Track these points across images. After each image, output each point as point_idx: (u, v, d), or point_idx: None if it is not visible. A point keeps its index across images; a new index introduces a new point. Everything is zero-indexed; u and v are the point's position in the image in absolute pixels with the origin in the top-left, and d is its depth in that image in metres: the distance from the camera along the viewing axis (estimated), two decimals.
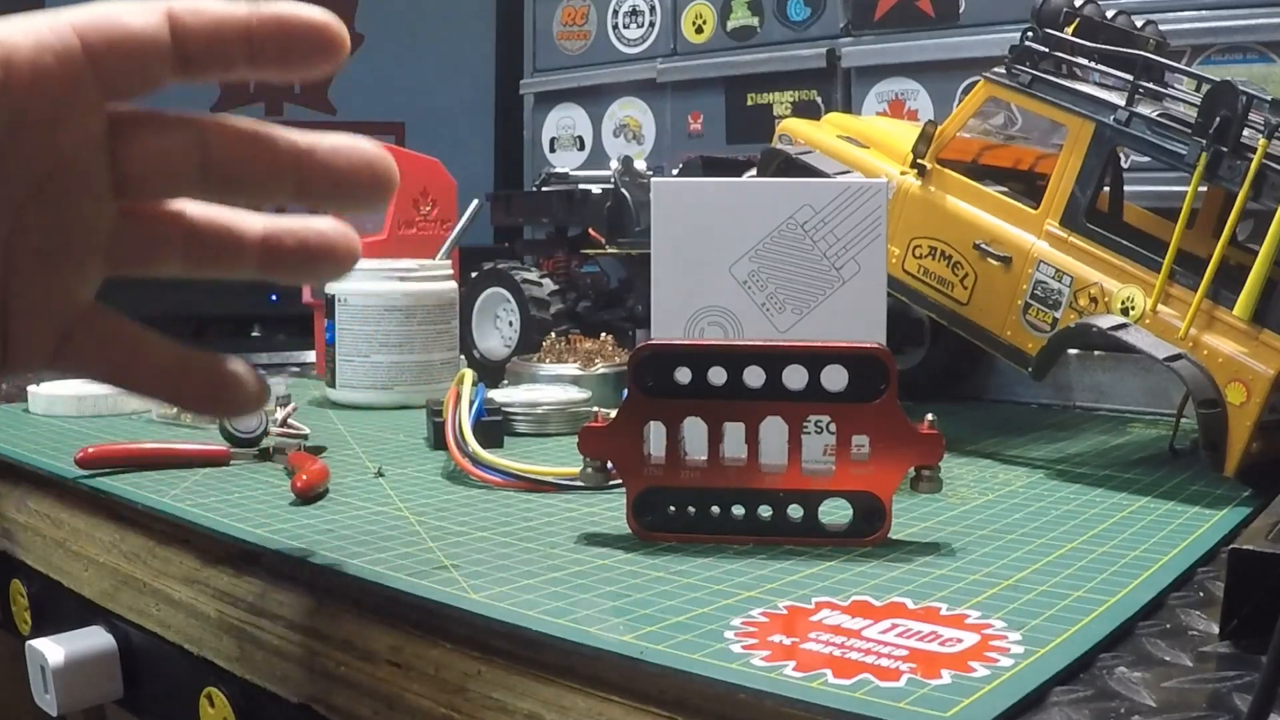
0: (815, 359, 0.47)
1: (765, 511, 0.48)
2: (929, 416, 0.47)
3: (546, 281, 0.98)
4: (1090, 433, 0.76)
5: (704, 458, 0.48)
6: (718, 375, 0.47)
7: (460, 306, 0.92)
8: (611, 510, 0.54)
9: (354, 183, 0.37)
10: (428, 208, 1.06)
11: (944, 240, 0.68)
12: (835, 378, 0.47)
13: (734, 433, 0.48)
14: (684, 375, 0.47)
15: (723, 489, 0.48)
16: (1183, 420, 0.67)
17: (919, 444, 0.47)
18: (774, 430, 0.47)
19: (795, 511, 0.48)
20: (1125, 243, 0.61)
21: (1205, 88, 0.58)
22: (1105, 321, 0.60)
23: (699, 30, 1.22)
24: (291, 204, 0.37)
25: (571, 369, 0.85)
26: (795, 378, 0.47)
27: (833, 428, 0.47)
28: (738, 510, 0.48)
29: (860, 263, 0.58)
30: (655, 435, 0.48)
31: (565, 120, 1.39)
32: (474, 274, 1.02)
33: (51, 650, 0.54)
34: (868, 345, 0.47)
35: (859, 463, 0.47)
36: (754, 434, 0.48)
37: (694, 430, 0.48)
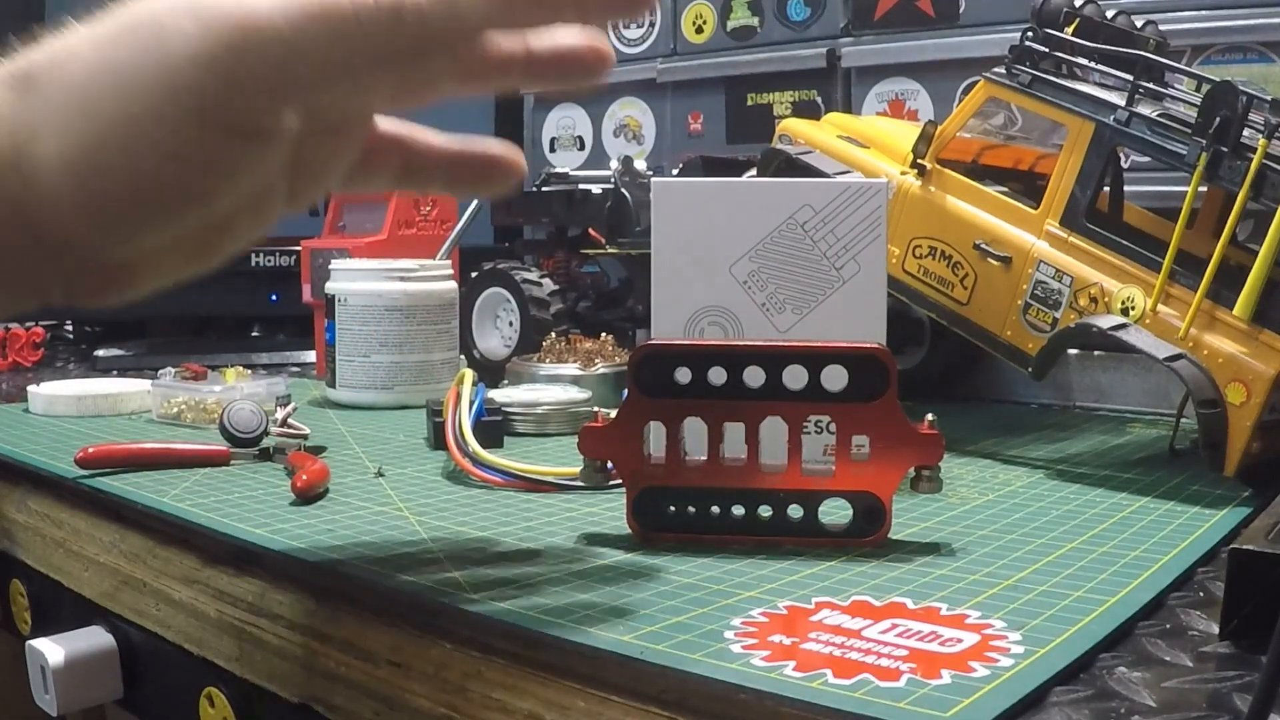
0: (815, 359, 0.47)
1: (765, 511, 0.48)
2: (929, 417, 0.47)
3: (546, 281, 0.98)
4: (1090, 433, 0.76)
5: (704, 458, 0.48)
6: (717, 375, 0.47)
7: (460, 306, 0.92)
8: (611, 510, 0.54)
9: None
10: (428, 208, 1.06)
11: (944, 240, 0.68)
12: (835, 378, 0.47)
13: (734, 432, 0.48)
14: (684, 375, 0.47)
15: (723, 489, 0.48)
16: (1183, 420, 0.67)
17: (919, 444, 0.47)
18: (774, 430, 0.47)
19: (795, 511, 0.48)
20: (1125, 243, 0.61)
21: (1205, 88, 0.58)
22: (1105, 321, 0.60)
23: (699, 30, 1.22)
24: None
25: (571, 369, 0.85)
26: (795, 378, 0.47)
27: (833, 428, 0.47)
28: (738, 510, 0.48)
29: (860, 263, 0.58)
30: (655, 435, 0.48)
31: (565, 120, 1.39)
32: (474, 274, 1.02)
33: (51, 650, 0.54)
34: (868, 345, 0.47)
35: (859, 463, 0.47)
36: (754, 434, 0.48)
37: (694, 430, 0.48)
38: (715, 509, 0.48)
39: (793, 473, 0.47)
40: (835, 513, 0.48)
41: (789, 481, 0.48)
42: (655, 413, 0.48)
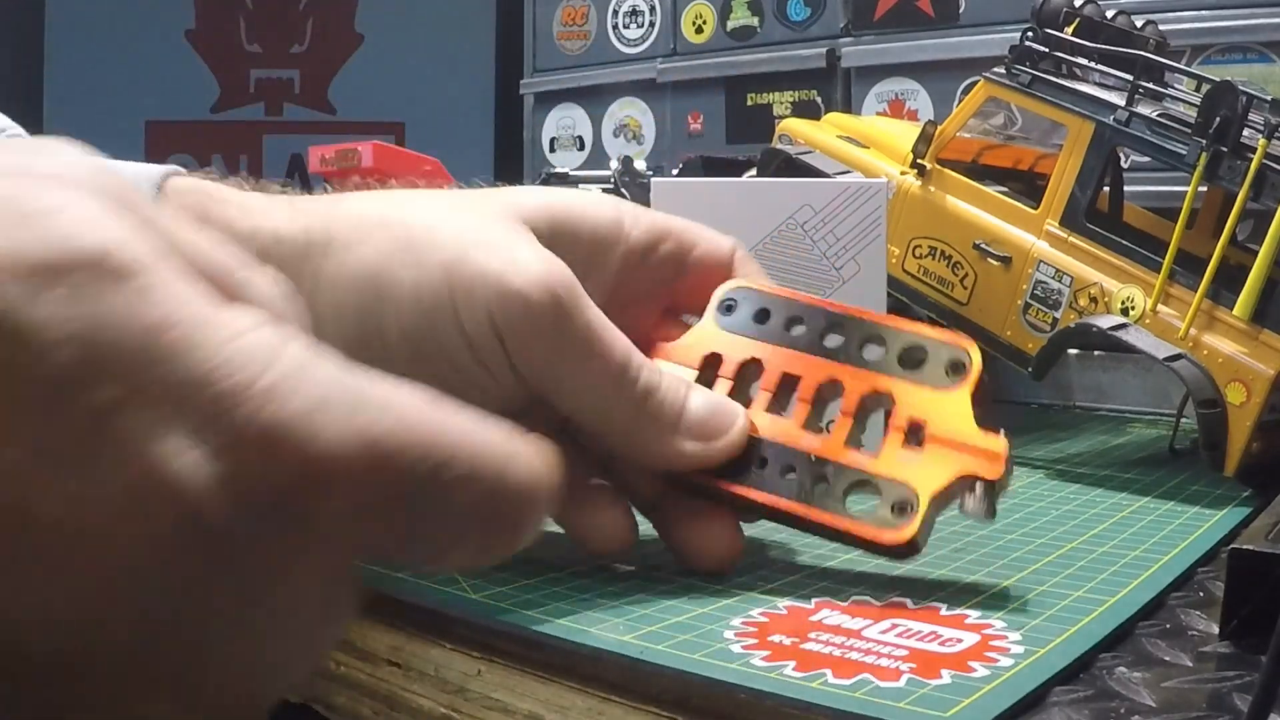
0: (903, 339, 0.43)
1: (790, 474, 0.42)
2: (1003, 431, 0.41)
3: None
4: (1090, 433, 0.76)
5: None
6: (798, 328, 0.44)
7: None
8: None
9: None
10: None
11: (944, 240, 0.68)
12: (910, 357, 0.43)
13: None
14: (763, 317, 0.45)
15: (756, 438, 0.43)
16: (1183, 420, 0.67)
17: (978, 448, 0.40)
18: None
19: (821, 483, 0.42)
20: (1125, 243, 0.61)
21: (1205, 88, 0.58)
22: (1105, 321, 0.60)
23: (699, 30, 1.22)
24: None
25: None
26: (871, 350, 0.43)
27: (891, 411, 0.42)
28: (763, 463, 0.43)
29: (860, 263, 0.58)
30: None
31: (565, 120, 1.39)
32: None
33: None
34: (959, 337, 0.43)
35: (907, 450, 0.41)
36: (809, 391, 0.43)
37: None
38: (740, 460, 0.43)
39: (835, 442, 0.42)
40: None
41: (826, 450, 0.42)
42: (719, 344, 0.44)
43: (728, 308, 0.46)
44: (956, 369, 0.42)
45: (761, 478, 0.42)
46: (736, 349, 0.45)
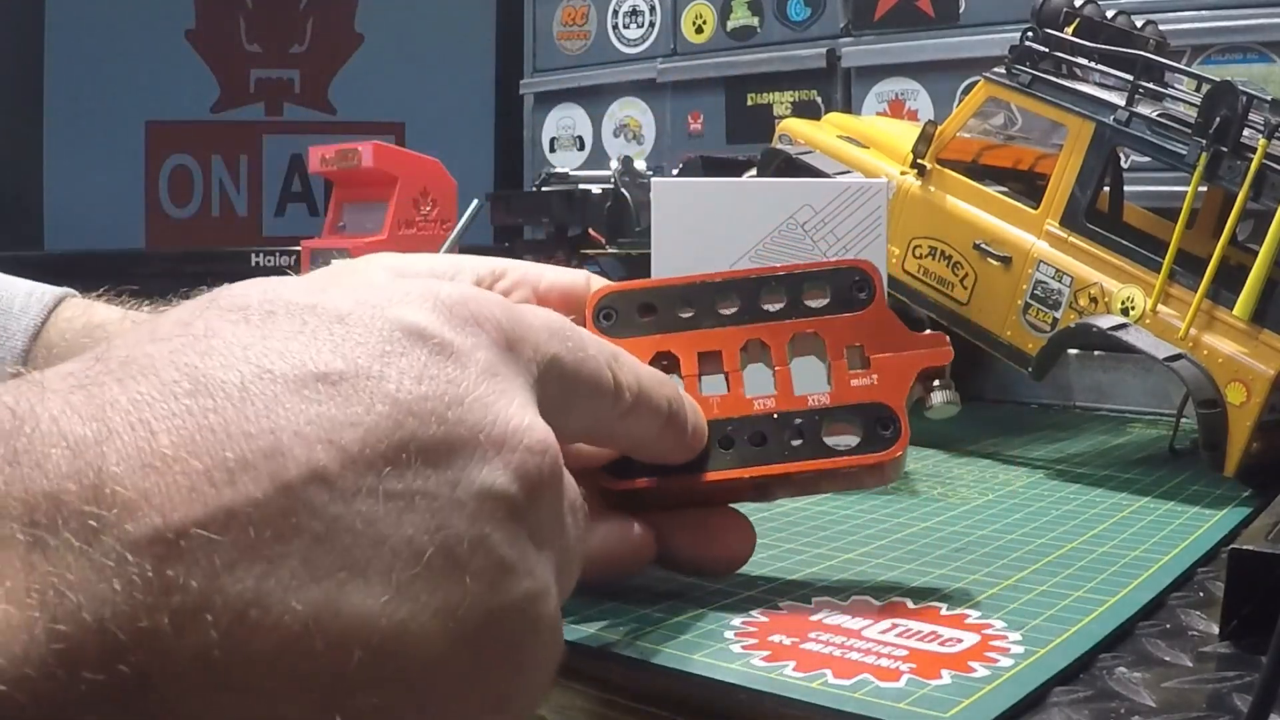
0: (793, 280, 0.43)
1: (763, 441, 0.41)
2: (927, 330, 0.43)
3: None
4: (1090, 433, 0.76)
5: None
6: (686, 310, 0.43)
7: None
8: None
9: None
10: (428, 208, 1.07)
11: (944, 240, 0.68)
12: (818, 297, 0.43)
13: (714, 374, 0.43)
14: (648, 312, 0.43)
15: (713, 420, 0.41)
16: (1183, 420, 0.67)
17: (923, 344, 0.41)
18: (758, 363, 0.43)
19: (797, 436, 0.41)
20: (1125, 243, 0.61)
21: (1205, 88, 0.59)
22: (1105, 321, 0.60)
23: (699, 30, 1.22)
24: None
25: None
26: (774, 302, 0.43)
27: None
28: (727, 444, 0.41)
29: None
30: None
31: (565, 120, 1.39)
32: None
33: None
34: (848, 260, 0.43)
35: (858, 373, 0.41)
36: (734, 360, 0.42)
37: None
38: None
39: (784, 393, 0.41)
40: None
41: (783, 403, 0.41)
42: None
43: (607, 316, 0.43)
44: (861, 287, 0.42)
45: (737, 456, 0.41)
46: (641, 350, 0.42)
